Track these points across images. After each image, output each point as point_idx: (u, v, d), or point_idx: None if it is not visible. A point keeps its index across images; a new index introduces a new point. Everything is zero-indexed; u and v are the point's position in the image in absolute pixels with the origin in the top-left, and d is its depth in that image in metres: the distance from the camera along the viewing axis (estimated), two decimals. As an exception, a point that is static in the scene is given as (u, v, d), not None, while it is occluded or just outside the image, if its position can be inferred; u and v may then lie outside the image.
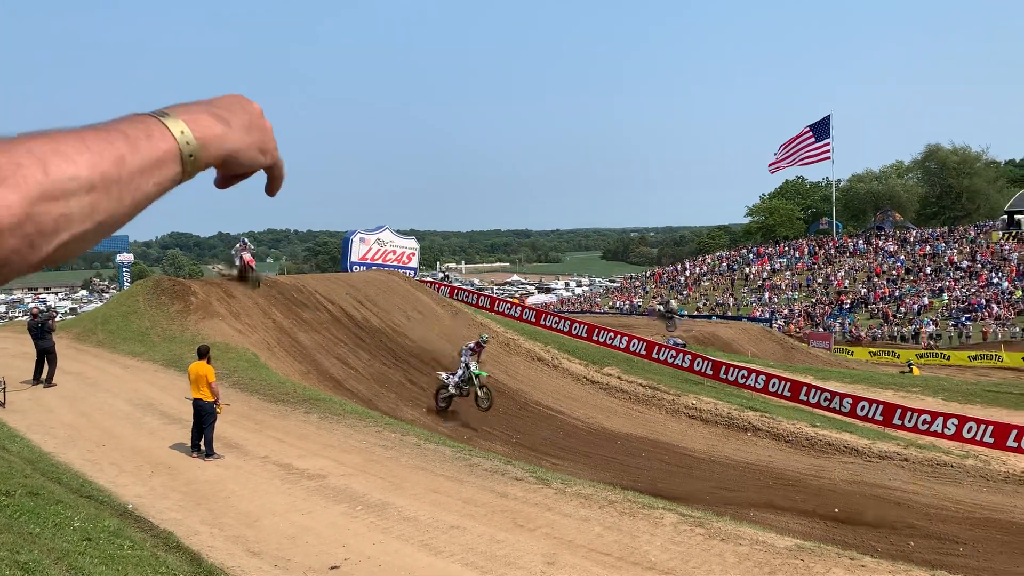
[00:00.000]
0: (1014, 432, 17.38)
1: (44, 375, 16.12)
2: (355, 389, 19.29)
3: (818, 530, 11.58)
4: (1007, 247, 52.80)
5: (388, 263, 36.67)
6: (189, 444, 11.64)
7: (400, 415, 17.64)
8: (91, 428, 12.83)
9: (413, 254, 38.62)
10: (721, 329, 40.77)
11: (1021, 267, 49.87)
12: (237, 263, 24.04)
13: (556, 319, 28.50)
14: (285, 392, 15.63)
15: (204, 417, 11.42)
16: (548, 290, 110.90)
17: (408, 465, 11.13)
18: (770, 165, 63.19)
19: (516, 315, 29.27)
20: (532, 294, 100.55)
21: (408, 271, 35.50)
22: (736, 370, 23.06)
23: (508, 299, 35.74)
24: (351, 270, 35.28)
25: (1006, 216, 58.54)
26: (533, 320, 28.66)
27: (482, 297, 32.18)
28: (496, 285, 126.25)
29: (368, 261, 36.55)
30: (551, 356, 24.05)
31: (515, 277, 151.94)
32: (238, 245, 23.92)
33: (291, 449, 11.80)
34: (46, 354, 16.14)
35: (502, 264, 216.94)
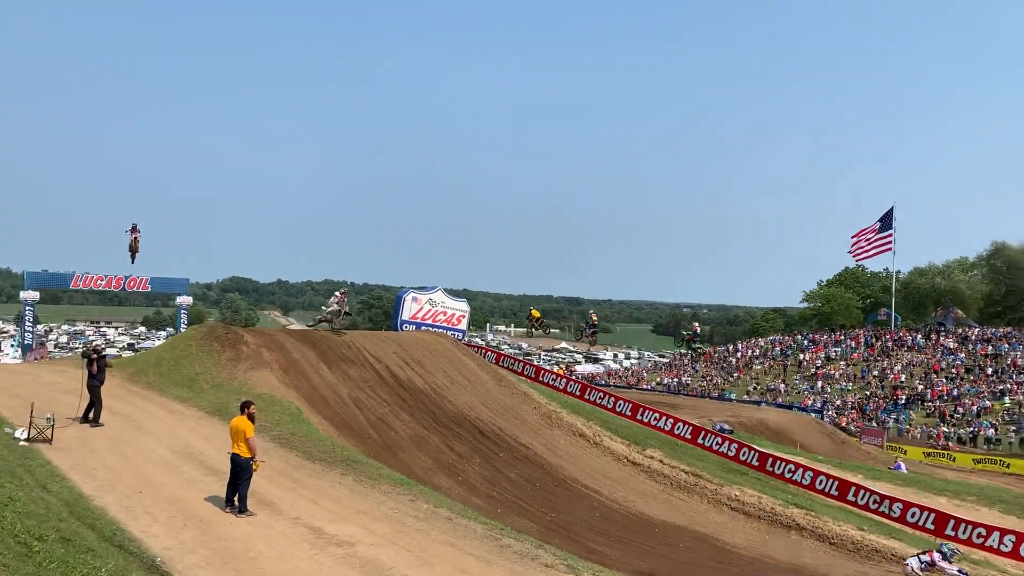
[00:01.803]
0: (1077, 556, 16.46)
1: (92, 414, 16.43)
2: (393, 451, 19.21)
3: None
4: (1075, 353, 50.84)
5: (438, 324, 36.88)
6: (224, 498, 11.66)
7: (435, 482, 17.48)
8: (131, 473, 12.96)
9: (463, 316, 38.81)
10: (771, 416, 39.86)
11: (1090, 375, 47.87)
12: None
13: (600, 394, 28.16)
14: (323, 451, 15.63)
15: (240, 472, 11.45)
16: (596, 360, 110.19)
17: (438, 540, 10.96)
18: (854, 254, 62.65)
19: (560, 387, 29.04)
20: (580, 363, 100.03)
21: (457, 333, 35.64)
22: (783, 463, 22.40)
23: (553, 370, 35.49)
24: (401, 328, 35.56)
25: (1075, 321, 56.63)
26: (577, 394, 28.37)
27: (528, 367, 32.02)
28: (544, 351, 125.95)
29: (418, 320, 36.81)
30: (593, 433, 23.70)
31: (564, 344, 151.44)
32: None
33: (323, 512, 11.73)
34: (90, 392, 16.47)
35: (552, 330, 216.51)
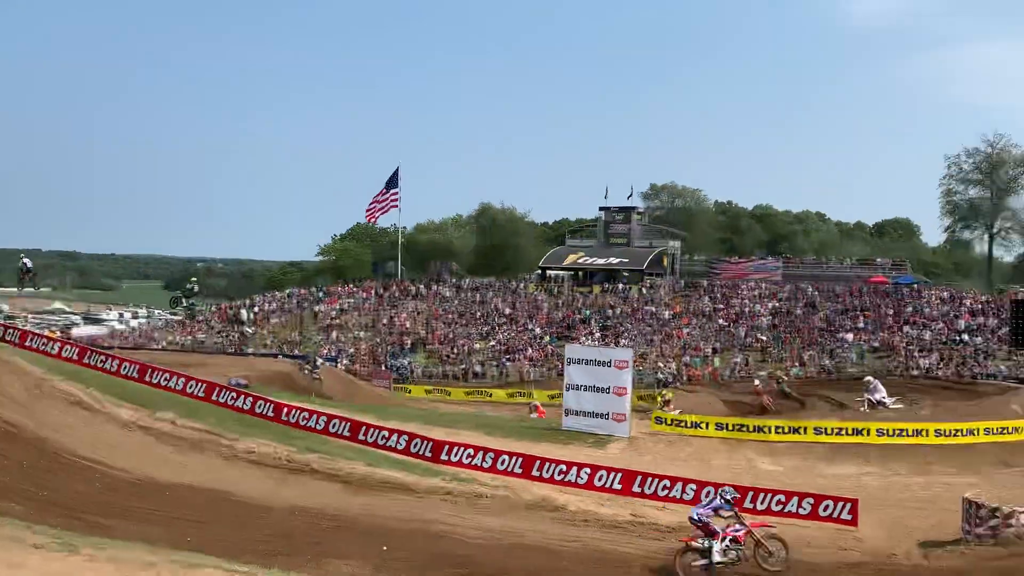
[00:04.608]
0: (537, 463, 19.83)
1: None
2: None
3: (367, 572, 11.96)
4: (540, 297, 61.18)
5: None
6: None
7: None
8: None
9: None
10: (288, 367, 40.65)
11: (550, 314, 58.10)
12: None
13: (103, 357, 25.72)
14: None
15: None
16: (98, 321, 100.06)
17: None
18: (369, 217, 66.70)
19: (54, 352, 25.79)
20: (79, 325, 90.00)
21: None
22: (298, 412, 23.00)
23: (44, 334, 31.36)
24: None
25: (540, 271, 68.62)
26: (75, 358, 25.52)
27: (10, 331, 27.75)
28: (32, 314, 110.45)
29: None
30: (93, 399, 21.56)
31: (57, 305, 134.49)
32: None
33: None
34: None
35: (42, 288, 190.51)
